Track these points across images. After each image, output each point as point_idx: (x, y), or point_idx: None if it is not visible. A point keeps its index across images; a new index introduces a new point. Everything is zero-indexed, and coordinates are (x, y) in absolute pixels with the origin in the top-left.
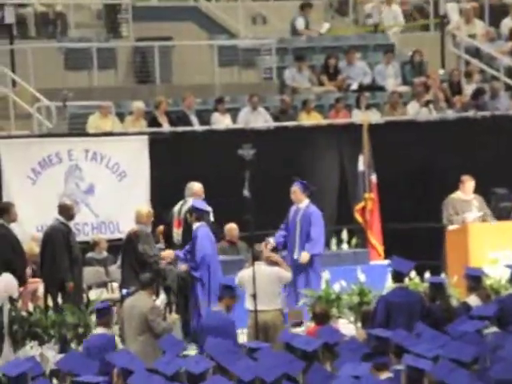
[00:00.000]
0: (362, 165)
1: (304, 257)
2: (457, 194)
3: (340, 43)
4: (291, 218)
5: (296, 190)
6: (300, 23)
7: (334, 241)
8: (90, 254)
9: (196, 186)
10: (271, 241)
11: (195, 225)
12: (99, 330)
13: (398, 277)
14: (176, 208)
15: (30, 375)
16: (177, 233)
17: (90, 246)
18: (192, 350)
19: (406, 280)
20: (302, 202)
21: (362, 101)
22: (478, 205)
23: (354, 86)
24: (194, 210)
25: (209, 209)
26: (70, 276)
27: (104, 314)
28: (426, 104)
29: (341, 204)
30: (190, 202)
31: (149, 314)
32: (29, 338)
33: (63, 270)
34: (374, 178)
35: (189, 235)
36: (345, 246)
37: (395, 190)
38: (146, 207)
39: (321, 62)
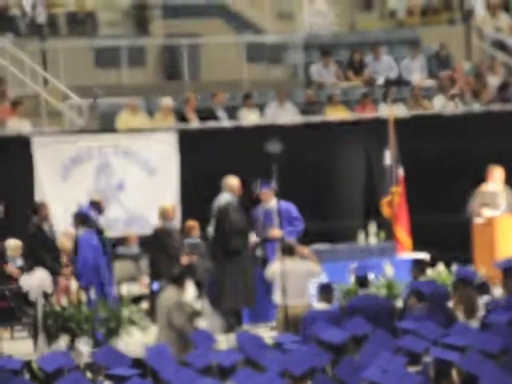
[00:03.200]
0: (388, 159)
1: (276, 233)
2: (485, 187)
3: (366, 38)
4: (263, 217)
5: (265, 191)
6: None
7: (361, 234)
8: (120, 250)
9: (229, 181)
10: None
11: (79, 231)
12: (320, 306)
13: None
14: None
15: (65, 369)
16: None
17: (121, 240)
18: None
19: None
20: (271, 200)
21: (390, 95)
22: (506, 196)
23: (380, 81)
24: (78, 215)
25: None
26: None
27: (326, 290)
28: (452, 97)
29: (368, 198)
30: (223, 196)
31: (171, 307)
32: (62, 332)
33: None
34: (400, 171)
35: (217, 229)
36: (372, 240)
37: (422, 184)
38: (169, 203)
39: (347, 57)
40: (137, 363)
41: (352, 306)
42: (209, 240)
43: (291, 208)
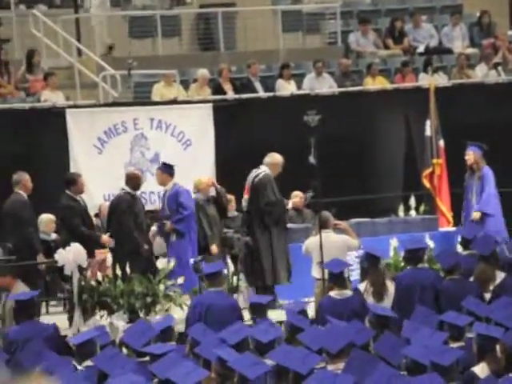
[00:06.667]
0: (428, 129)
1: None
2: None
3: (406, 5)
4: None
5: (157, 173)
6: None
7: (401, 207)
8: (154, 227)
9: (270, 157)
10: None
11: None
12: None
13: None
14: (250, 175)
15: (98, 343)
16: (244, 199)
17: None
18: None
19: None
20: (167, 183)
21: (432, 64)
22: None
23: (421, 49)
24: None
25: None
26: (140, 243)
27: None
28: (495, 66)
29: (408, 170)
30: (262, 169)
31: None
32: (98, 307)
33: (133, 238)
34: (441, 142)
35: (253, 203)
36: (413, 213)
37: (463, 155)
38: (205, 176)
39: (386, 25)
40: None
41: (399, 280)
42: (244, 213)
43: (180, 193)
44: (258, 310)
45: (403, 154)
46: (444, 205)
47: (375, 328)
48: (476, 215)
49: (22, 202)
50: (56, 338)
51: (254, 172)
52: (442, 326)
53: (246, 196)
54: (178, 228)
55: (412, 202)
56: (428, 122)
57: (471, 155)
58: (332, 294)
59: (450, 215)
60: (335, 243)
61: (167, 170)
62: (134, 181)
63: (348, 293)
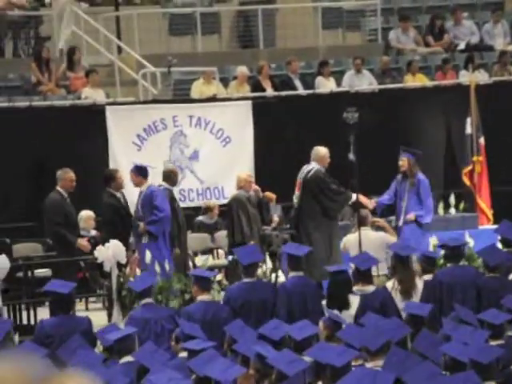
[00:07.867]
0: (469, 127)
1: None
2: None
3: (446, 2)
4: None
5: (131, 175)
6: None
7: (441, 205)
8: (200, 218)
9: (316, 151)
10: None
11: None
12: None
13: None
14: (301, 171)
15: (136, 339)
16: (296, 195)
17: (203, 210)
18: None
19: None
20: (141, 185)
21: (474, 61)
22: None
23: (462, 46)
24: None
25: None
26: (177, 242)
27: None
28: None
29: (448, 167)
30: (312, 166)
31: None
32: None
33: (171, 236)
34: (482, 140)
35: (305, 199)
36: (452, 211)
37: (505, 153)
38: (245, 172)
39: (426, 22)
40: None
41: (439, 277)
42: (295, 209)
43: (155, 194)
44: (293, 262)
45: (443, 151)
46: (484, 202)
47: (411, 326)
48: (412, 217)
49: (52, 200)
50: (89, 332)
51: (306, 168)
52: (483, 324)
53: (297, 192)
54: (151, 230)
55: (452, 199)
56: (468, 120)
57: (405, 161)
58: (355, 288)
59: (490, 213)
60: (373, 240)
61: (141, 172)
62: (172, 177)
63: (369, 289)
